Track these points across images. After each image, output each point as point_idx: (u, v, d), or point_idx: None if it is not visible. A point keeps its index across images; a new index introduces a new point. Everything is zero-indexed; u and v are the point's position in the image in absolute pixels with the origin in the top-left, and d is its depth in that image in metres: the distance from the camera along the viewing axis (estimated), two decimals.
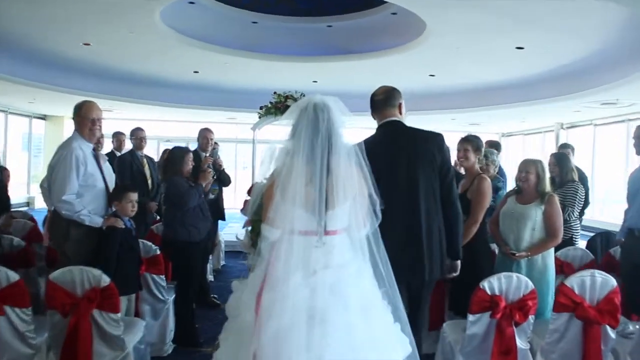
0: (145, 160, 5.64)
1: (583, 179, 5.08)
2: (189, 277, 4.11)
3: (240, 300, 2.13)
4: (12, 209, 5.07)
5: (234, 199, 10.60)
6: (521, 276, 2.97)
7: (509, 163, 10.01)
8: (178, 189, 4.03)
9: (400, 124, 2.83)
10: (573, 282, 2.92)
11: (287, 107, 7.22)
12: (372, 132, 2.85)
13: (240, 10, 8.33)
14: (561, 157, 4.85)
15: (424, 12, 6.69)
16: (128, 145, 6.02)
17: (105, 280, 2.79)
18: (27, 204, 13.85)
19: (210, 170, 4.59)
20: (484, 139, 4.56)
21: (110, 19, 6.98)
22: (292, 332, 1.88)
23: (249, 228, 2.81)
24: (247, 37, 8.91)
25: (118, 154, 6.02)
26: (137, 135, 5.69)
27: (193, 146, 5.45)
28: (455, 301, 3.68)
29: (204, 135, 5.32)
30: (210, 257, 5.98)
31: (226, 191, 5.80)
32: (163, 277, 3.91)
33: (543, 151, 14.55)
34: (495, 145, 5.39)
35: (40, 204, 11.82)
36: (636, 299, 3.51)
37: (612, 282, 2.95)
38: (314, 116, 2.07)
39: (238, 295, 2.18)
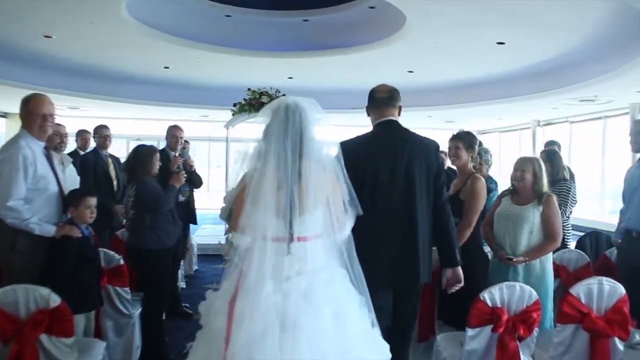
0: (110, 160, 5.25)
1: (572, 176, 4.91)
2: (158, 286, 3.81)
3: (212, 307, 2.06)
4: None
5: (207, 199, 10.30)
6: (524, 286, 2.72)
7: None
8: (152, 192, 3.74)
9: (399, 124, 2.80)
10: (579, 290, 2.69)
11: (262, 104, 6.99)
12: (348, 129, 2.79)
13: (213, 3, 7.96)
14: (552, 154, 4.65)
15: (404, 5, 6.46)
16: (93, 145, 5.63)
17: (55, 300, 2.44)
18: None
19: (182, 171, 4.27)
20: None
21: (72, 8, 6.51)
22: (264, 338, 1.85)
23: (230, 235, 2.62)
24: (220, 31, 8.54)
25: (82, 153, 5.61)
26: (101, 134, 5.29)
27: (163, 145, 5.14)
28: (445, 310, 3.45)
29: (173, 133, 5.03)
30: (182, 263, 5.69)
31: (198, 191, 5.54)
32: (127, 289, 3.56)
33: (520, 149, 14.58)
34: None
35: None
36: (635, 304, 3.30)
37: (621, 289, 2.75)
38: (284, 118, 2.03)
39: (210, 302, 2.11)
